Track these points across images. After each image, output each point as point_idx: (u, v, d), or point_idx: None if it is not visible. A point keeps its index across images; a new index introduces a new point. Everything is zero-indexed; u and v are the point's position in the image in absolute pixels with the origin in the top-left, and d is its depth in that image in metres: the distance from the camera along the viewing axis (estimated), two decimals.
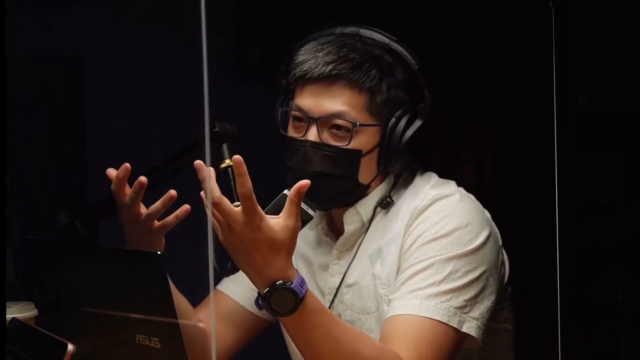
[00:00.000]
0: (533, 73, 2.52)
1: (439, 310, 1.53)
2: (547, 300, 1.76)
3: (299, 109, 1.64)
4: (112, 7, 2.47)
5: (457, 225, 1.58)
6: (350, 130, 1.61)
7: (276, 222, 1.39)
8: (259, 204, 1.50)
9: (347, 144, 1.61)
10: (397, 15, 2.67)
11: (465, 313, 1.55)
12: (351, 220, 1.68)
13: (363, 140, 1.62)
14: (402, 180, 1.69)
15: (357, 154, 1.62)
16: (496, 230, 1.67)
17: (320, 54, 1.63)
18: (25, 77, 2.38)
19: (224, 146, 1.64)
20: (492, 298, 1.60)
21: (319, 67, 1.61)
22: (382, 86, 1.63)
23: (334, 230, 1.75)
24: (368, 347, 1.48)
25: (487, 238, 1.60)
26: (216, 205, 1.36)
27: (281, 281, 1.39)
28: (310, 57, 1.63)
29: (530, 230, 1.74)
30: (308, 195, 1.62)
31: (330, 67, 1.61)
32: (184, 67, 1.57)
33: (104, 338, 1.48)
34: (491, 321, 1.63)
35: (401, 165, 1.66)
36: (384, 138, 1.63)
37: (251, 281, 1.42)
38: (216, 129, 1.64)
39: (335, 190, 1.63)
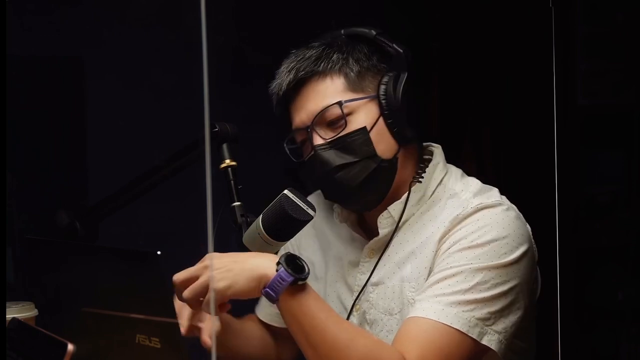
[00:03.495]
0: (533, 73, 2.53)
1: (460, 319, 1.51)
2: (547, 300, 1.76)
3: (296, 130, 1.66)
4: (112, 7, 2.47)
5: (494, 236, 1.56)
6: (342, 116, 1.61)
7: None
8: (259, 204, 1.51)
9: (346, 127, 1.61)
10: (396, 15, 2.67)
11: (487, 325, 1.52)
12: (386, 223, 1.67)
13: (362, 117, 1.62)
14: (441, 182, 1.67)
15: (362, 132, 1.61)
16: (534, 246, 1.64)
17: (282, 69, 1.66)
18: (25, 76, 2.38)
19: (224, 146, 1.64)
20: (520, 314, 1.57)
21: (285, 79, 1.64)
22: (350, 63, 1.64)
23: (364, 227, 1.74)
24: (364, 340, 1.49)
25: (524, 253, 1.57)
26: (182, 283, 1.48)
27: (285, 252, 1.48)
28: (277, 78, 1.67)
29: (531, 231, 1.74)
30: (346, 199, 1.65)
31: (294, 73, 1.63)
32: (184, 67, 1.57)
33: (104, 338, 1.48)
34: (518, 339, 1.60)
35: (414, 128, 1.64)
36: (382, 106, 1.62)
37: (256, 274, 1.46)
38: (216, 129, 1.64)
39: (362, 177, 1.61)
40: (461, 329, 1.50)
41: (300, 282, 1.45)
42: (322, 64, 1.63)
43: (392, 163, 1.63)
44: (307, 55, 1.64)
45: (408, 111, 1.62)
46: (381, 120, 1.62)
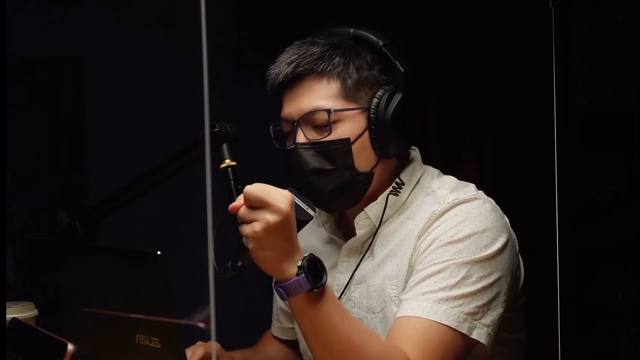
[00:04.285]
0: (533, 73, 2.53)
1: (449, 315, 1.52)
2: (547, 300, 1.76)
3: (284, 119, 1.67)
4: (112, 7, 2.47)
5: (473, 230, 1.57)
6: (328, 123, 1.61)
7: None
8: None
9: (329, 134, 1.61)
10: (396, 15, 2.67)
11: (476, 319, 1.54)
12: (363, 224, 1.68)
13: (347, 128, 1.62)
14: (418, 182, 1.69)
15: (345, 143, 1.62)
16: (514, 236, 1.65)
17: (283, 59, 1.65)
18: (25, 76, 2.38)
19: (224, 146, 1.64)
20: (505, 305, 1.59)
21: (283, 70, 1.64)
22: (350, 70, 1.63)
23: (342, 229, 1.75)
24: (375, 342, 1.48)
25: (504, 245, 1.59)
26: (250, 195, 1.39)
27: (307, 254, 1.42)
28: (275, 65, 1.66)
29: (530, 231, 1.74)
30: (315, 199, 1.61)
31: (292, 66, 1.63)
32: (184, 67, 1.57)
33: (104, 338, 1.48)
34: (502, 330, 1.61)
35: (398, 145, 1.64)
36: (370, 120, 1.63)
37: (281, 264, 1.41)
38: (216, 129, 1.64)
39: (336, 185, 1.63)
40: (451, 325, 1.51)
41: (316, 290, 1.43)
42: (323, 64, 1.62)
43: (367, 176, 1.65)
44: (310, 51, 1.64)
45: (397, 127, 1.62)
46: (366, 133, 1.63)
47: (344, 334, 1.45)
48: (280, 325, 1.90)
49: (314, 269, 1.42)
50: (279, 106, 1.70)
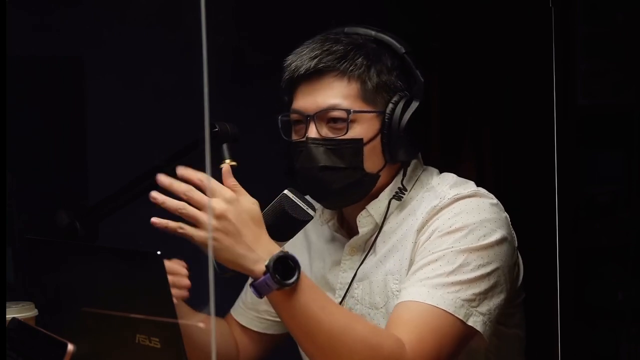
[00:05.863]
0: (533, 73, 2.53)
1: (446, 300, 1.52)
2: (547, 300, 1.76)
3: (295, 111, 1.67)
4: (112, 7, 2.47)
5: (472, 220, 1.58)
6: (346, 120, 1.62)
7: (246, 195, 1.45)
8: (260, 204, 1.50)
9: (345, 133, 1.62)
10: (397, 15, 2.67)
11: (472, 307, 1.54)
12: (365, 222, 1.69)
13: (362, 129, 1.63)
14: (418, 179, 1.70)
15: (358, 143, 1.63)
16: (513, 233, 1.66)
17: (305, 52, 1.65)
18: (25, 76, 2.38)
19: (224, 146, 1.64)
20: (502, 297, 1.59)
21: (305, 63, 1.64)
22: (371, 73, 1.64)
23: (345, 227, 1.76)
24: (360, 326, 1.49)
25: (504, 237, 1.60)
26: (190, 193, 1.43)
27: (278, 250, 1.42)
28: (296, 57, 1.66)
29: (531, 231, 1.74)
30: (319, 195, 1.64)
31: (315, 61, 1.63)
32: (184, 67, 1.57)
33: (104, 338, 1.48)
34: (500, 324, 1.62)
35: (407, 151, 1.65)
36: (384, 125, 1.64)
37: (243, 265, 1.42)
38: (216, 129, 1.64)
39: (343, 183, 1.63)
40: (448, 310, 1.52)
41: (286, 288, 1.42)
42: (345, 64, 1.63)
43: (374, 177, 1.66)
44: (334, 49, 1.64)
45: (408, 135, 1.63)
46: (378, 137, 1.64)
47: (325, 324, 1.45)
48: (242, 313, 1.88)
49: (284, 265, 1.42)
50: (284, 100, 1.70)
